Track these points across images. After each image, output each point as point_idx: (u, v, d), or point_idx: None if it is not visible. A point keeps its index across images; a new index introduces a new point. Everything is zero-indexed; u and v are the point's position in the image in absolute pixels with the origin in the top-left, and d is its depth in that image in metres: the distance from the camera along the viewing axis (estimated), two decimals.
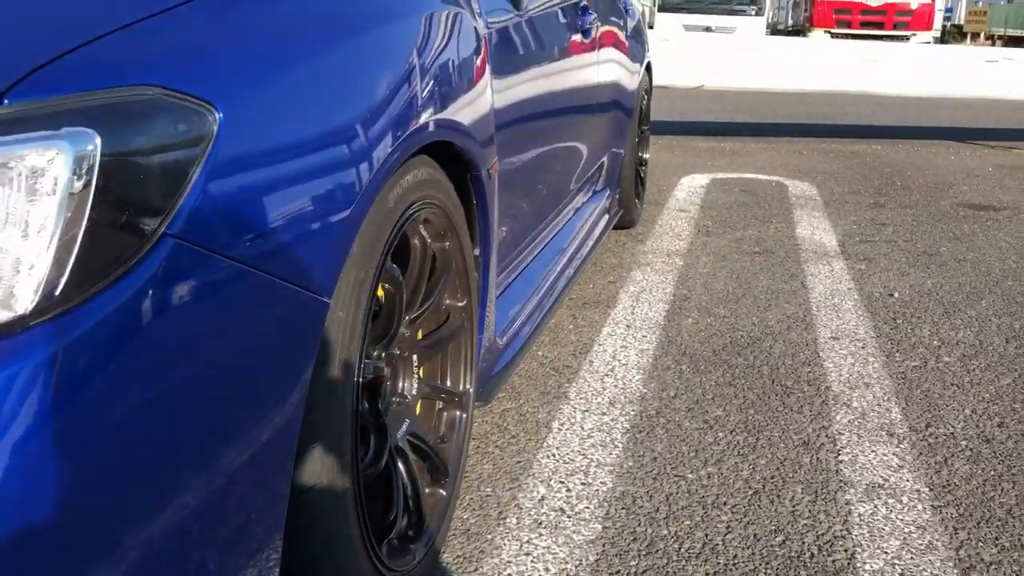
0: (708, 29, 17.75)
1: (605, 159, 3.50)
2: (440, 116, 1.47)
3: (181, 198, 0.91)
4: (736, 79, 7.18)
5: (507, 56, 1.97)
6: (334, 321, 1.17)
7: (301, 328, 1.09)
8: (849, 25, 19.02)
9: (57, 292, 0.80)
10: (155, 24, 0.95)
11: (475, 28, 1.72)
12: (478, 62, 1.69)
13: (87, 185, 0.82)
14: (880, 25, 18.94)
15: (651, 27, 18.38)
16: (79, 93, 0.84)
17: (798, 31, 22.56)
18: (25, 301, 0.78)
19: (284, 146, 1.06)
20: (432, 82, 1.44)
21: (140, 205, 0.87)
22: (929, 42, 19.48)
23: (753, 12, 18.68)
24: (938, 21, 25.62)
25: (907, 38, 18.69)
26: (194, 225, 0.91)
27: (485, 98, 1.73)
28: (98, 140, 0.83)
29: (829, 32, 18.92)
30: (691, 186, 5.35)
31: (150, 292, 0.86)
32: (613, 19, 3.43)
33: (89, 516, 0.83)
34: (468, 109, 1.61)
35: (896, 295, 3.34)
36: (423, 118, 1.40)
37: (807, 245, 4.02)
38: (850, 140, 7.58)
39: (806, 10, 20.99)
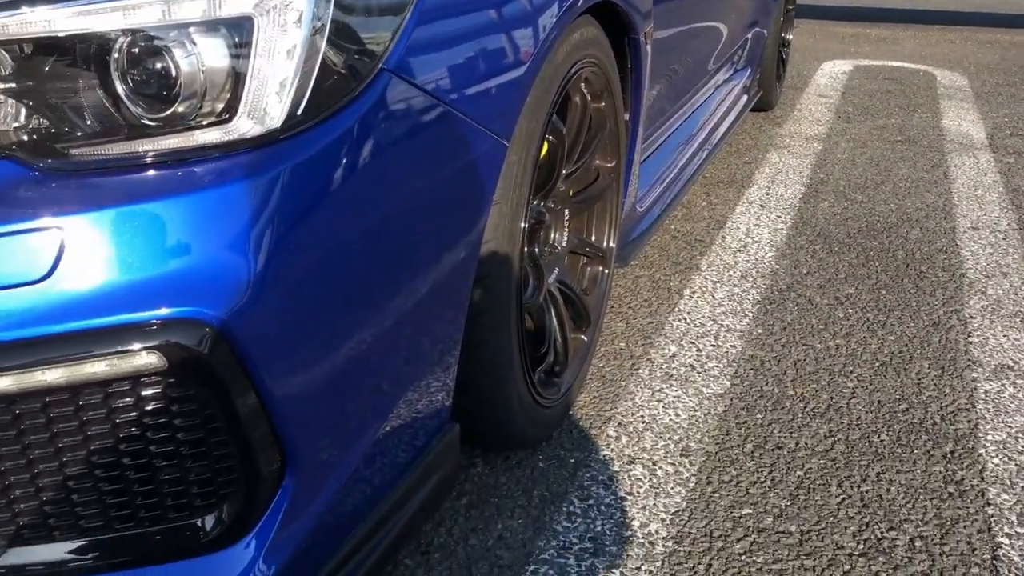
0: None
1: (749, 37, 3.45)
2: None
3: (395, 38, 1.02)
4: None
5: None
6: (510, 163, 1.28)
7: (485, 166, 1.21)
8: None
9: (299, 112, 0.94)
10: None
11: None
12: None
13: (325, 20, 0.94)
14: None
15: None
16: None
17: None
18: (276, 118, 0.92)
19: (477, 1, 1.16)
20: None
21: (364, 42, 0.99)
22: None
23: None
24: None
25: None
26: (405, 62, 1.03)
27: None
28: None
29: None
30: (833, 72, 5.18)
31: (371, 117, 0.99)
32: None
33: (311, 312, 0.98)
34: None
35: None
36: None
37: (953, 136, 3.89)
38: (1009, 30, 7.10)
39: None
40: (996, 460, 1.68)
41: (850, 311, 2.25)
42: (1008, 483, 1.62)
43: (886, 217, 2.90)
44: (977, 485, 1.61)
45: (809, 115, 4.16)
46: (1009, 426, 1.79)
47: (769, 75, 3.90)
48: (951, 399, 1.88)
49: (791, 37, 4.46)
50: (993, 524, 1.51)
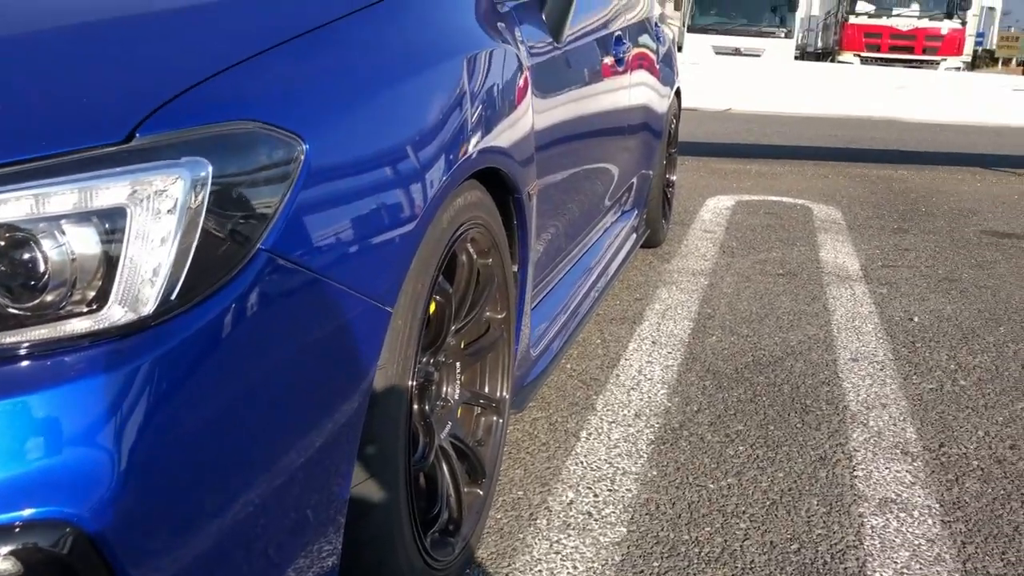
0: (737, 51, 17.87)
1: (635, 180, 3.63)
2: (488, 145, 1.60)
3: (274, 217, 1.04)
4: (764, 103, 7.28)
5: (547, 86, 2.10)
6: (395, 327, 1.30)
7: (368, 333, 1.22)
8: (878, 49, 19.07)
9: (173, 297, 0.94)
10: (254, 65, 1.09)
11: (519, 62, 1.85)
12: (522, 94, 1.82)
13: (200, 205, 0.96)
14: (910, 49, 18.99)
15: (680, 48, 18.50)
16: (193, 127, 0.97)
17: (828, 54, 22.62)
18: (148, 304, 0.92)
19: (357, 174, 1.20)
20: (481, 114, 1.57)
21: (241, 223, 1.01)
22: (959, 67, 19.49)
23: (783, 34, 18.81)
24: (969, 46, 25.56)
25: (937, 63, 18.71)
26: (283, 241, 1.05)
27: (527, 127, 1.86)
28: (210, 168, 0.96)
29: (859, 55, 18.98)
30: (717, 207, 5.46)
31: (246, 298, 1.00)
32: (645, 47, 3.56)
33: (180, 493, 0.96)
34: (512, 138, 1.74)
35: (916, 319, 3.44)
36: (473, 147, 1.53)
37: (830, 268, 4.12)
38: (877, 165, 7.66)
39: (836, 33, 21.06)
40: None
41: (740, 448, 2.31)
42: None
43: (771, 351, 3.02)
44: None
45: (695, 251, 4.35)
46: (895, 562, 1.84)
47: (656, 214, 4.09)
48: (839, 536, 1.93)
49: (675, 178, 4.71)
50: None
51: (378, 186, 1.24)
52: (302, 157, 1.08)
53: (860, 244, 4.65)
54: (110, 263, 0.91)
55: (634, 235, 3.71)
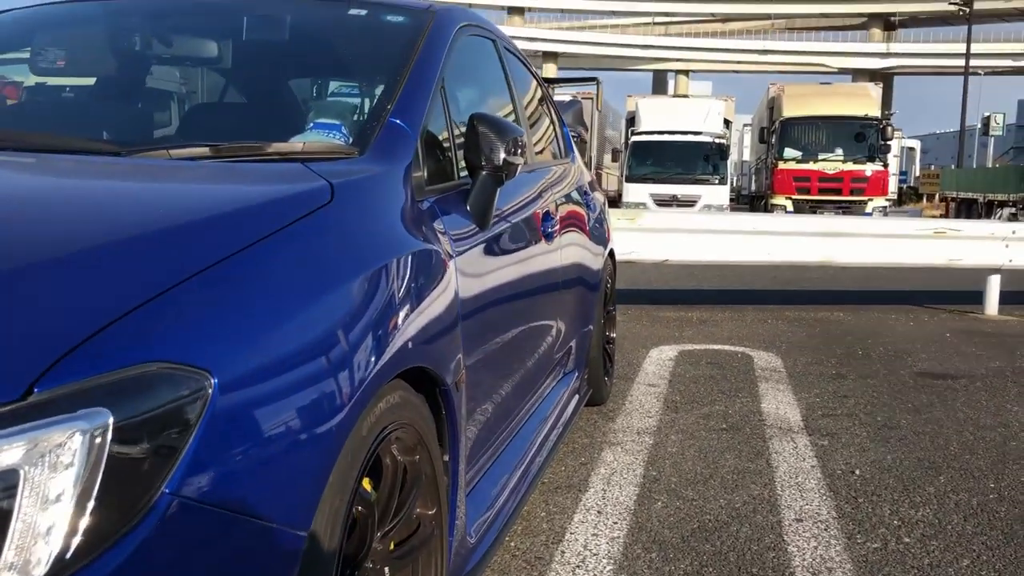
0: (675, 198, 18.58)
1: (574, 342, 3.67)
2: (409, 347, 1.62)
3: (179, 456, 1.03)
4: (701, 252, 7.52)
5: (473, 273, 2.15)
6: (311, 551, 1.27)
7: (282, 561, 1.19)
8: (808, 192, 19.98)
9: (68, 555, 0.91)
10: (157, 304, 1.10)
11: (441, 257, 1.90)
12: (444, 289, 1.86)
13: (100, 455, 0.95)
14: (838, 191, 19.92)
15: (620, 197, 19.15)
16: (92, 376, 0.98)
17: (761, 197, 23.62)
18: (40, 567, 0.89)
19: (269, 398, 1.20)
20: (401, 317, 1.60)
21: (144, 467, 0.99)
22: (886, 206, 20.46)
23: (717, 181, 19.65)
24: (893, 185, 26.89)
25: (864, 203, 19.61)
26: (188, 479, 1.03)
27: (451, 320, 1.89)
28: (110, 418, 0.96)
29: (790, 198, 19.85)
30: (660, 359, 5.53)
31: (149, 546, 0.97)
32: (576, 215, 3.69)
33: None
34: (435, 335, 1.76)
35: (857, 472, 3.46)
36: (394, 352, 1.55)
37: (772, 420, 4.16)
38: (814, 307, 7.87)
39: (767, 178, 22.05)
40: None
41: None
42: None
43: (716, 515, 3.00)
44: None
45: (640, 407, 4.37)
46: None
47: (597, 373, 4.12)
48: None
49: (615, 335, 4.78)
50: None
51: (291, 406, 1.24)
52: (209, 390, 1.08)
53: (800, 392, 4.72)
54: (0, 526, 0.89)
55: (576, 396, 3.72)
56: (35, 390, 0.93)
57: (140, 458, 0.99)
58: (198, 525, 1.05)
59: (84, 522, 0.92)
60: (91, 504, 0.93)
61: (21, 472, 0.90)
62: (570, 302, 3.49)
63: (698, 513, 3.01)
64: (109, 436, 0.96)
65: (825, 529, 2.88)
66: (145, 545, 0.97)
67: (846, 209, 18.91)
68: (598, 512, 3.02)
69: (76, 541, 0.92)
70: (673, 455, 3.63)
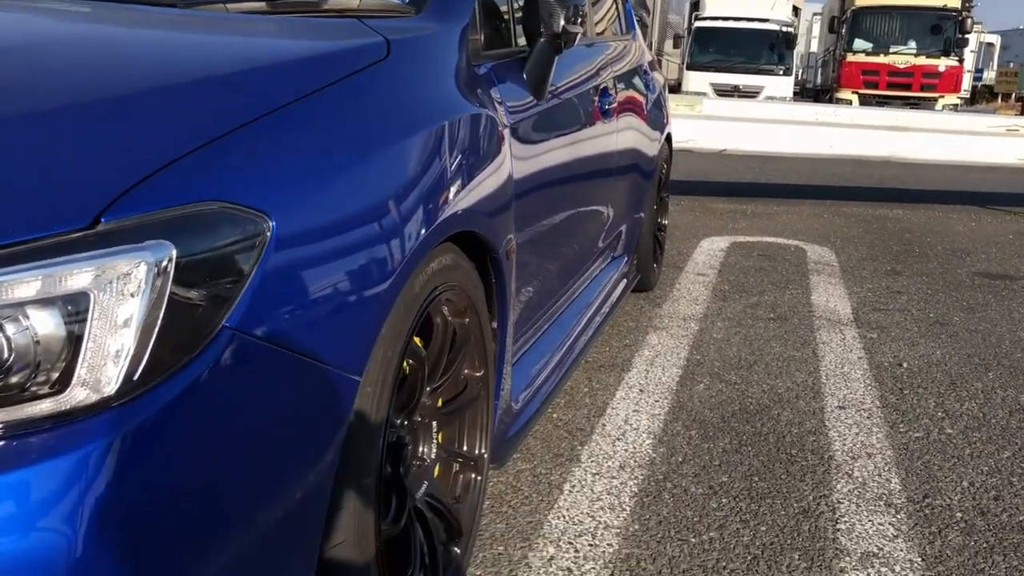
0: (736, 88, 18.04)
1: (624, 227, 3.66)
2: (461, 209, 1.63)
3: (238, 294, 1.07)
4: (761, 143, 7.34)
5: (528, 143, 2.14)
6: (363, 395, 1.32)
7: (335, 402, 1.24)
8: (876, 86, 19.21)
9: (136, 376, 0.96)
10: (220, 145, 1.12)
11: (496, 123, 1.89)
12: (498, 156, 1.86)
13: (164, 287, 0.98)
14: (907, 87, 19.12)
15: (680, 86, 18.63)
16: (157, 211, 1.01)
17: (827, 91, 22.80)
18: (111, 385, 0.94)
19: (325, 246, 1.22)
20: (454, 179, 1.60)
21: (205, 301, 1.03)
22: (957, 104, 19.62)
23: (781, 72, 18.99)
24: (967, 83, 25.70)
25: (935, 100, 18.84)
26: (248, 317, 1.07)
27: (505, 188, 1.89)
28: (174, 251, 0.99)
29: (857, 93, 19.12)
30: (711, 249, 5.49)
31: (210, 375, 1.02)
32: (634, 95, 3.61)
33: (145, 570, 0.98)
34: (488, 200, 1.77)
35: (905, 365, 3.44)
36: (446, 212, 1.56)
37: (821, 312, 4.13)
38: (872, 204, 7.70)
39: (834, 70, 21.24)
40: None
41: (724, 501, 2.31)
42: None
43: (758, 399, 3.03)
44: None
45: (687, 294, 4.37)
46: None
47: (646, 259, 4.11)
48: None
49: (667, 221, 4.74)
50: None
51: (347, 257, 1.27)
52: (268, 234, 1.11)
53: (852, 287, 4.67)
54: (74, 346, 0.94)
55: (624, 281, 3.73)
56: (102, 220, 0.97)
57: (201, 293, 1.03)
58: (257, 361, 1.09)
59: (149, 349, 0.97)
60: (155, 332, 0.97)
61: (91, 295, 0.94)
62: (623, 184, 3.46)
63: (740, 396, 3.04)
64: (172, 269, 0.99)
65: (868, 417, 2.90)
66: (206, 375, 1.02)
67: (914, 106, 18.19)
68: (640, 390, 3.06)
69: (142, 366, 0.96)
70: (718, 341, 3.65)
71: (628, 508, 2.26)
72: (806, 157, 7.97)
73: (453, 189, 1.59)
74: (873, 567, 2.03)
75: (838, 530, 2.19)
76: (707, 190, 7.97)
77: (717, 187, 8.24)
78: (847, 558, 2.06)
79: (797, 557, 2.06)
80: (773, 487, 2.40)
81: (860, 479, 2.46)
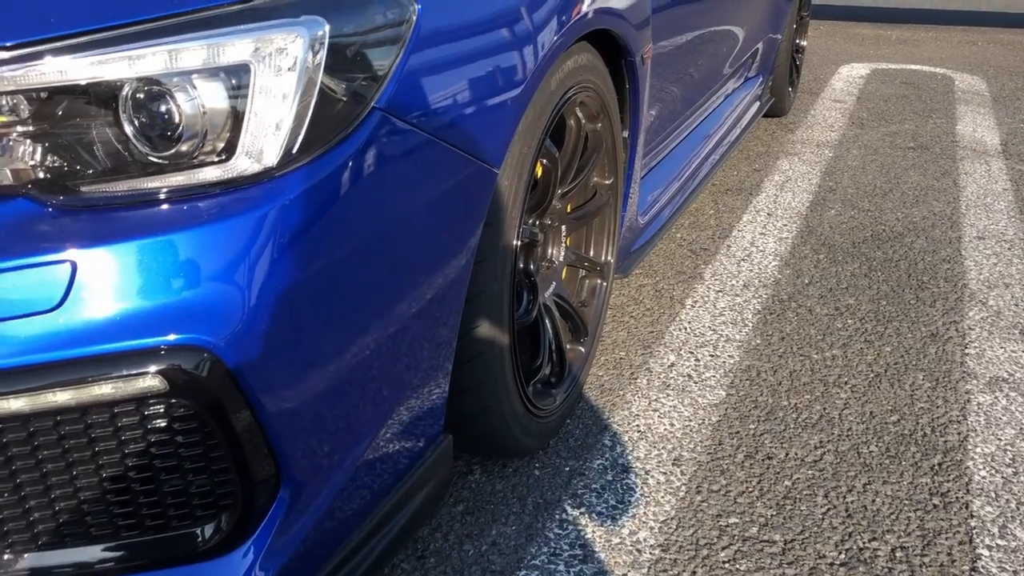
0: None
1: (760, 45, 3.49)
2: (601, 5, 1.58)
3: (387, 77, 1.09)
4: None
5: None
6: (500, 189, 1.35)
7: (475, 193, 1.28)
8: None
9: (294, 150, 1.01)
10: None
11: None
12: None
13: (318, 63, 1.01)
14: None
15: None
16: None
17: None
18: (272, 156, 0.99)
19: (467, 34, 1.22)
20: None
21: (357, 84, 1.06)
22: None
23: None
24: None
25: None
26: (396, 100, 1.10)
27: None
28: (327, 27, 1.01)
29: None
30: (850, 76, 5.19)
31: (362, 154, 1.06)
32: None
33: (303, 329, 1.06)
34: (628, 1, 1.71)
35: None
36: (585, 7, 1.52)
37: (966, 142, 3.90)
38: None
39: None
40: (983, 472, 1.72)
41: (849, 322, 2.30)
42: (993, 495, 1.66)
43: (892, 226, 2.93)
44: (962, 497, 1.65)
45: (823, 121, 4.18)
46: (999, 438, 1.83)
47: (782, 82, 3.93)
48: (943, 411, 1.92)
49: (805, 43, 4.49)
50: (975, 536, 1.56)
51: (487, 47, 1.27)
52: (414, 18, 1.12)
53: (1003, 118, 4.36)
54: (237, 117, 0.99)
55: (757, 103, 3.60)
56: None
57: (353, 72, 1.06)
58: (403, 143, 1.12)
59: (306, 123, 1.01)
60: (311, 108, 1.01)
61: (252, 68, 0.98)
62: (761, 1, 3.27)
63: (872, 223, 2.95)
64: (326, 45, 1.02)
65: (1008, 248, 2.78)
66: (359, 153, 1.06)
67: None
68: (768, 214, 3.01)
69: (299, 139, 1.01)
70: (852, 168, 3.51)
71: (751, 324, 2.27)
72: None
73: None
74: (1002, 391, 2.00)
75: (967, 354, 2.15)
76: (849, 14, 7.44)
77: (860, 11, 7.68)
78: (974, 381, 2.04)
79: (921, 377, 2.05)
80: (901, 311, 2.36)
81: (995, 308, 2.39)
